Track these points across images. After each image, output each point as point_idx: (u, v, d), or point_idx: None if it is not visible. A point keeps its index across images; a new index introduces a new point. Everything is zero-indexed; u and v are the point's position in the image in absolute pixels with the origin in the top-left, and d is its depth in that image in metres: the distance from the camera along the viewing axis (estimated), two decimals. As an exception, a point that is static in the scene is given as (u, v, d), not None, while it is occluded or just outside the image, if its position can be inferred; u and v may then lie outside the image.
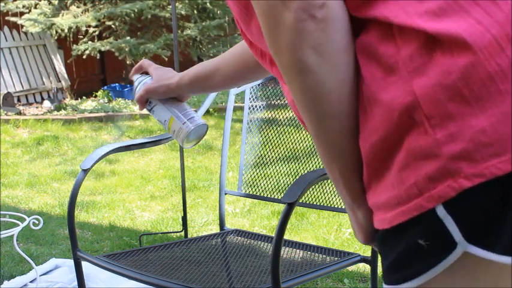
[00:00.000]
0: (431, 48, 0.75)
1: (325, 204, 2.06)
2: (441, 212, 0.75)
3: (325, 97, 0.82)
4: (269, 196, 2.21)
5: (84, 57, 7.69)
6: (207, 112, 6.73)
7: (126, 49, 7.58)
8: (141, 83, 1.46)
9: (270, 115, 2.29)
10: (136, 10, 7.47)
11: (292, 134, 2.22)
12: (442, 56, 0.74)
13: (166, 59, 7.62)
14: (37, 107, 7.41)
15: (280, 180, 2.23)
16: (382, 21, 0.79)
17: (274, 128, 2.27)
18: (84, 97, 7.84)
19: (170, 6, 7.60)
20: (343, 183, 0.90)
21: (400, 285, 0.82)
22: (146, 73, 1.50)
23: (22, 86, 7.69)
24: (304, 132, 2.19)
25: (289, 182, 2.17)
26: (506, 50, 0.73)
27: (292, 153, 2.24)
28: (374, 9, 0.80)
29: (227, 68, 1.40)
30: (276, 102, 2.26)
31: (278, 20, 0.79)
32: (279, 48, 0.81)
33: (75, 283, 2.01)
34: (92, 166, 1.92)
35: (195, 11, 8.04)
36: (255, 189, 2.23)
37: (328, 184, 2.06)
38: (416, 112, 0.76)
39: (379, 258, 1.97)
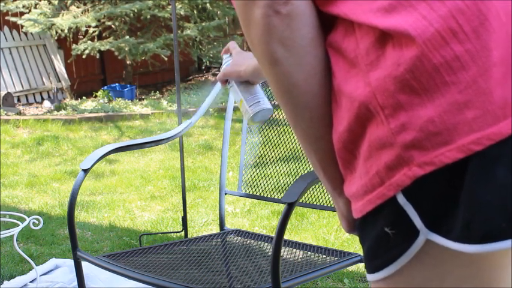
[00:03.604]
0: (384, 43, 0.79)
1: (325, 204, 2.06)
2: (402, 199, 0.79)
3: (295, 87, 0.88)
4: (269, 196, 2.21)
5: (84, 57, 7.69)
6: (207, 112, 6.73)
7: (126, 49, 7.58)
8: (225, 64, 1.68)
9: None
10: (136, 10, 7.47)
11: (292, 134, 2.22)
12: (393, 50, 0.78)
13: (166, 58, 7.62)
14: (37, 107, 7.41)
15: (280, 180, 2.23)
16: (345, 18, 0.84)
17: (274, 128, 2.27)
18: (84, 97, 7.84)
19: (170, 7, 7.60)
20: (323, 172, 0.95)
21: (376, 274, 0.85)
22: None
23: (22, 86, 7.68)
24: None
25: (289, 182, 2.16)
26: (451, 43, 0.76)
27: (292, 153, 2.24)
28: (336, 6, 0.84)
29: None
30: (276, 102, 2.26)
31: (249, 16, 0.86)
32: (252, 41, 0.88)
33: (75, 283, 2.01)
34: (92, 166, 1.92)
35: (195, 11, 8.04)
36: (255, 189, 2.23)
37: (328, 184, 2.06)
38: (373, 103, 0.80)
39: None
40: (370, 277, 0.87)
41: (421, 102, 0.77)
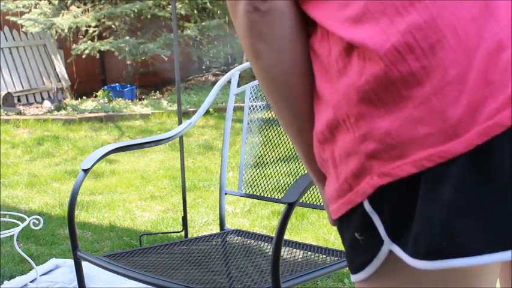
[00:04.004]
0: (350, 52, 0.81)
1: (325, 204, 2.06)
2: (368, 207, 0.81)
3: (275, 82, 0.91)
4: (269, 196, 2.20)
5: (84, 57, 7.69)
6: (207, 112, 6.73)
7: (126, 49, 7.57)
8: None
9: (270, 115, 2.29)
10: (136, 10, 7.46)
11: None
12: (357, 59, 0.80)
13: (166, 58, 7.62)
14: (37, 107, 7.41)
15: (280, 180, 2.23)
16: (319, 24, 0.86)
17: (274, 128, 2.27)
18: (84, 97, 7.84)
19: (170, 6, 7.60)
20: (307, 164, 0.98)
21: (356, 275, 0.87)
22: None
23: (22, 86, 7.68)
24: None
25: (289, 182, 2.16)
26: (408, 58, 0.76)
27: (292, 153, 2.24)
28: (312, 10, 0.87)
29: None
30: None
31: (234, 11, 0.90)
32: (238, 34, 0.92)
33: (75, 283, 2.01)
34: (92, 166, 1.92)
35: (195, 11, 8.04)
36: (255, 189, 2.23)
37: (328, 184, 2.06)
38: (341, 110, 0.82)
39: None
40: (353, 278, 0.89)
41: (380, 114, 0.79)
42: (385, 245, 0.81)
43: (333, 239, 3.18)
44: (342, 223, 0.87)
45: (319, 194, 2.09)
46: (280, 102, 0.93)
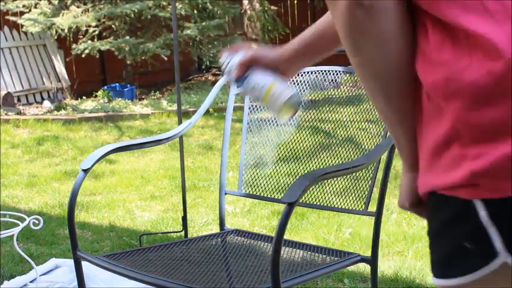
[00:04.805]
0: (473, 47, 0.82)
1: (325, 204, 2.06)
2: (484, 218, 0.82)
3: (376, 75, 0.93)
4: (269, 196, 2.20)
5: (84, 57, 7.69)
6: (207, 112, 6.73)
7: (126, 49, 7.57)
8: (236, 55, 1.46)
9: (270, 115, 2.29)
10: (136, 10, 7.46)
11: (292, 134, 2.22)
12: (483, 57, 0.81)
13: (166, 58, 7.62)
14: (37, 107, 7.41)
15: (280, 180, 2.23)
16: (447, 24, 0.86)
17: (274, 128, 2.27)
18: (84, 97, 7.83)
19: (170, 7, 7.60)
20: (402, 151, 1.01)
21: (445, 280, 0.89)
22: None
23: (22, 86, 7.68)
24: (304, 132, 2.19)
25: (289, 182, 2.16)
26: None
27: (292, 153, 2.24)
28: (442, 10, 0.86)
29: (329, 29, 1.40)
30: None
31: (335, 7, 0.91)
32: (338, 29, 0.93)
33: (75, 283, 2.01)
34: (92, 166, 1.91)
35: (195, 11, 8.04)
36: (255, 189, 2.23)
37: (328, 184, 2.06)
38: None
39: (379, 259, 1.97)
40: (439, 282, 0.90)
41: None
42: (500, 257, 0.82)
43: (333, 239, 3.18)
44: (447, 228, 0.87)
45: (319, 194, 2.09)
46: (379, 96, 0.96)
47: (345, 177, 1.99)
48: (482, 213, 0.82)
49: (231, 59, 1.47)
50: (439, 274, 0.90)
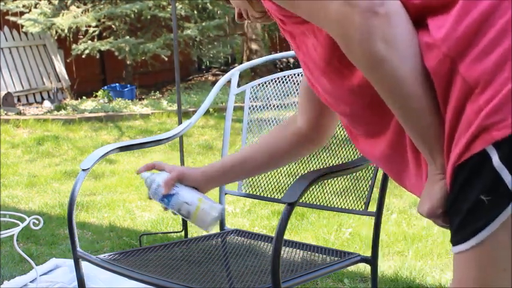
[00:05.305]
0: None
1: (325, 204, 2.06)
2: (496, 161, 0.87)
3: (403, 80, 0.95)
4: (269, 196, 2.20)
5: (84, 57, 7.69)
6: (207, 112, 6.73)
7: (126, 49, 7.57)
8: (159, 174, 1.61)
9: (270, 115, 2.29)
10: (136, 10, 7.46)
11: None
12: None
13: (166, 58, 7.62)
14: (37, 107, 7.41)
15: (280, 180, 2.23)
16: None
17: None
18: (84, 97, 7.84)
19: (170, 7, 7.60)
20: (430, 155, 1.01)
21: (466, 243, 0.92)
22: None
23: (22, 86, 7.68)
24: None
25: (289, 182, 2.16)
26: None
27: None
28: None
29: (260, 158, 1.57)
30: (276, 103, 2.26)
31: (348, 24, 0.93)
32: (353, 48, 0.95)
33: (75, 283, 2.01)
34: (92, 166, 1.91)
35: (195, 11, 8.04)
36: (255, 189, 2.23)
37: (328, 184, 2.06)
38: None
39: (379, 259, 1.97)
40: (458, 248, 0.94)
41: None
42: None
43: (333, 239, 3.18)
44: (463, 187, 0.91)
45: (319, 194, 2.09)
46: (409, 99, 0.97)
47: (345, 177, 1.99)
48: (495, 159, 0.86)
49: (154, 179, 1.61)
50: (458, 240, 0.94)
